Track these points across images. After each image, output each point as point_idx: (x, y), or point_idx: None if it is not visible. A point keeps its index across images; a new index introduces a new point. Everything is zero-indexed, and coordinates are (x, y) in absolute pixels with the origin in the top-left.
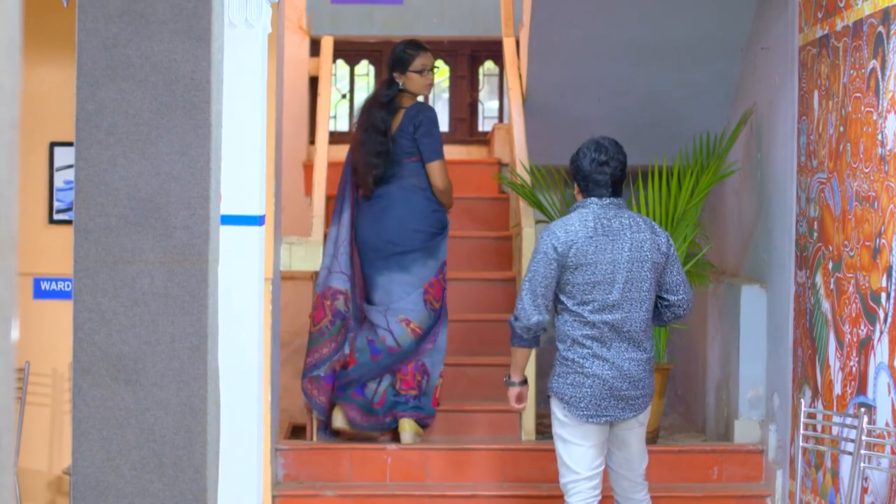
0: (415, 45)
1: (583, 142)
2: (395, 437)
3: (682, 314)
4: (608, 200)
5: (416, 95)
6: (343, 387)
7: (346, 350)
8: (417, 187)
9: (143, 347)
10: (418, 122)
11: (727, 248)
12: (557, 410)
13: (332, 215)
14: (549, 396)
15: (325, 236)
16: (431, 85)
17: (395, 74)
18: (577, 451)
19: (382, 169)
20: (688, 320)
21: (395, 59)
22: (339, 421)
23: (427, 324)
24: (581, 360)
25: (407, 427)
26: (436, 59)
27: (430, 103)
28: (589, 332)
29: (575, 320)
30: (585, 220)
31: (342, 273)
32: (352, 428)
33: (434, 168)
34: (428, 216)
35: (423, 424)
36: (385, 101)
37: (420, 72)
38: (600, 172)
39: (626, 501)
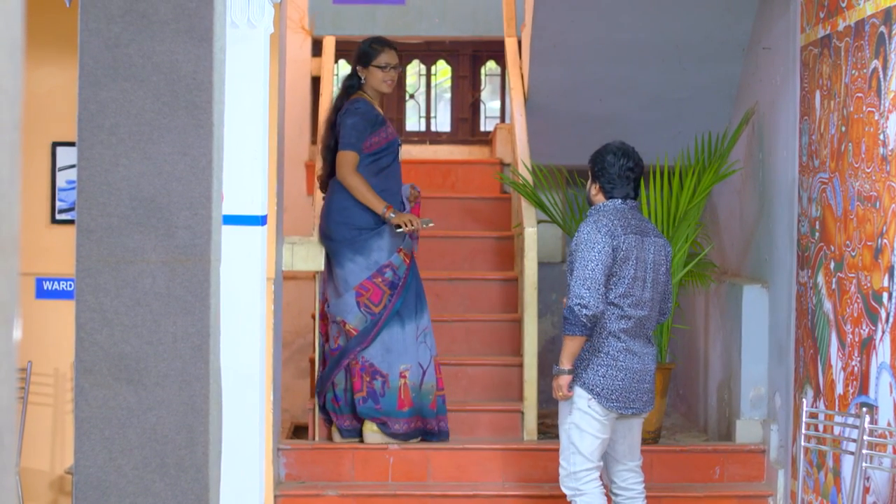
0: (381, 41)
1: (606, 144)
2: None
3: (663, 321)
4: (632, 203)
5: (377, 92)
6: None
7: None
8: None
9: (145, 347)
10: (342, 113)
11: (729, 248)
12: (582, 401)
13: None
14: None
15: None
16: (393, 83)
17: (357, 68)
18: (594, 443)
19: (330, 162)
20: (690, 320)
21: (360, 52)
22: (376, 437)
23: (363, 326)
24: (615, 353)
25: (370, 430)
26: (437, 59)
27: (431, 102)
28: (624, 326)
29: (613, 313)
30: (623, 217)
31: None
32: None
33: (338, 158)
34: (346, 209)
35: (440, 439)
36: (342, 93)
37: (382, 67)
38: (627, 178)
39: (627, 493)
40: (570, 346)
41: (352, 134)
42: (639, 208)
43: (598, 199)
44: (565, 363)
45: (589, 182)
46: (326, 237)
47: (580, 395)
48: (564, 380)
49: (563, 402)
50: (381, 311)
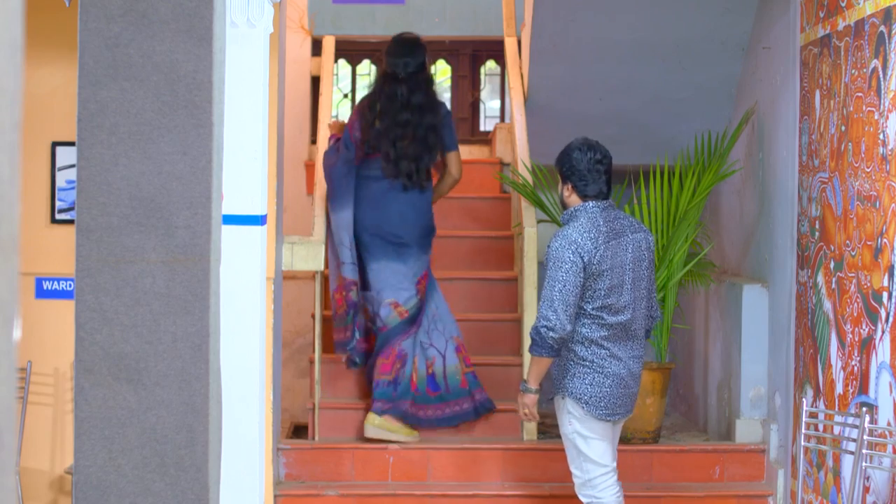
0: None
1: (569, 143)
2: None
3: (657, 316)
4: (606, 202)
5: None
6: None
7: (358, 336)
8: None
9: (144, 347)
10: (446, 113)
11: (729, 248)
12: (575, 410)
13: (331, 201)
14: (554, 398)
15: (329, 226)
16: None
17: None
18: (601, 446)
19: (431, 158)
20: (689, 320)
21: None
22: (376, 432)
23: (413, 311)
24: (600, 361)
25: (371, 423)
26: (437, 58)
27: None
28: (606, 334)
29: (594, 323)
30: (598, 225)
31: (353, 264)
32: (414, 424)
33: (454, 157)
34: (426, 213)
35: (484, 411)
36: (432, 86)
37: None
38: (597, 171)
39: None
40: (538, 367)
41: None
42: (613, 205)
43: (573, 200)
44: (532, 382)
45: (560, 185)
46: (431, 229)
47: (572, 405)
48: (530, 399)
49: (560, 413)
50: (424, 298)
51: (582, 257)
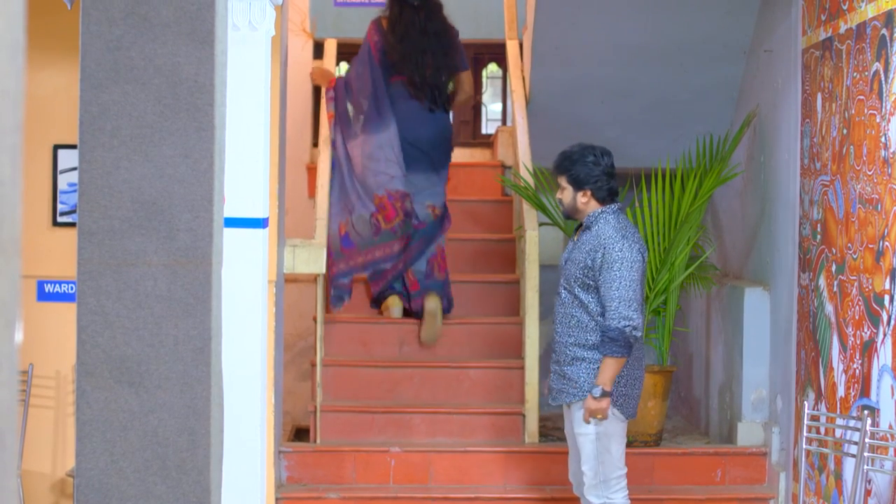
0: None
1: (574, 150)
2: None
3: None
4: (618, 205)
5: None
6: (390, 281)
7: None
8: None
9: (146, 350)
10: (456, 35)
11: (730, 251)
12: (613, 411)
13: (370, 123)
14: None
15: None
16: None
17: None
18: (622, 447)
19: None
20: (691, 323)
21: None
22: (396, 311)
23: (442, 208)
24: (633, 362)
25: (433, 301)
26: None
27: None
28: (638, 335)
29: None
30: (633, 225)
31: (404, 176)
32: (402, 315)
33: (466, 77)
34: (449, 130)
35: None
36: (440, 7)
37: None
38: (613, 175)
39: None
40: (616, 368)
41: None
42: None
43: (592, 206)
44: (609, 385)
45: (571, 194)
46: (452, 146)
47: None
48: (608, 402)
49: (577, 415)
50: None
51: (643, 256)
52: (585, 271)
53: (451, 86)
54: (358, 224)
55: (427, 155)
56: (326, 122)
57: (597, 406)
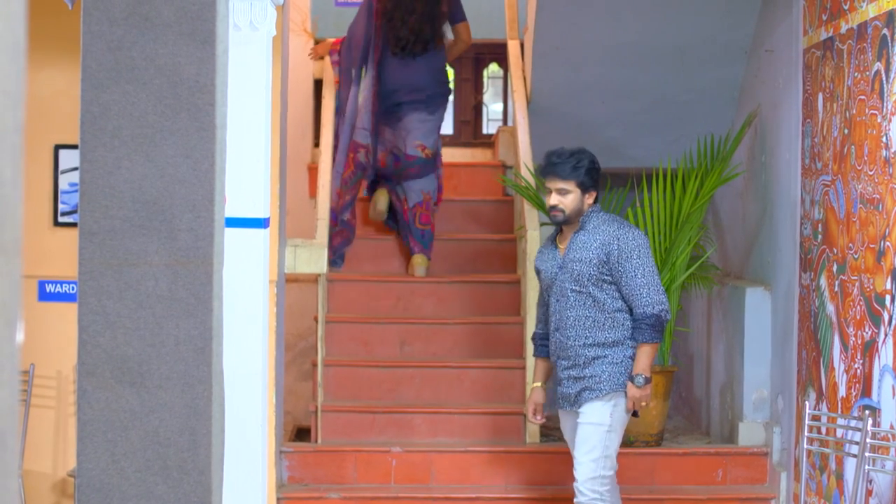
0: None
1: (584, 152)
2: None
3: None
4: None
5: None
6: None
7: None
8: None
9: (147, 350)
10: None
11: (731, 251)
12: (623, 404)
13: (342, 82)
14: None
15: (348, 99)
16: None
17: None
18: (619, 445)
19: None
20: (692, 323)
21: None
22: (381, 203)
23: (433, 150)
24: (633, 353)
25: (420, 262)
26: None
27: None
28: (668, 317)
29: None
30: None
31: (364, 129)
32: (385, 219)
33: (464, 27)
34: (442, 70)
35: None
36: None
37: None
38: None
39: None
40: (653, 354)
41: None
42: None
43: (588, 204)
44: (649, 371)
45: (578, 197)
46: (447, 83)
47: (623, 400)
48: (650, 389)
49: (599, 407)
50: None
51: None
52: (600, 267)
53: (449, 34)
54: (340, 166)
55: (415, 96)
56: (331, 105)
57: (641, 394)
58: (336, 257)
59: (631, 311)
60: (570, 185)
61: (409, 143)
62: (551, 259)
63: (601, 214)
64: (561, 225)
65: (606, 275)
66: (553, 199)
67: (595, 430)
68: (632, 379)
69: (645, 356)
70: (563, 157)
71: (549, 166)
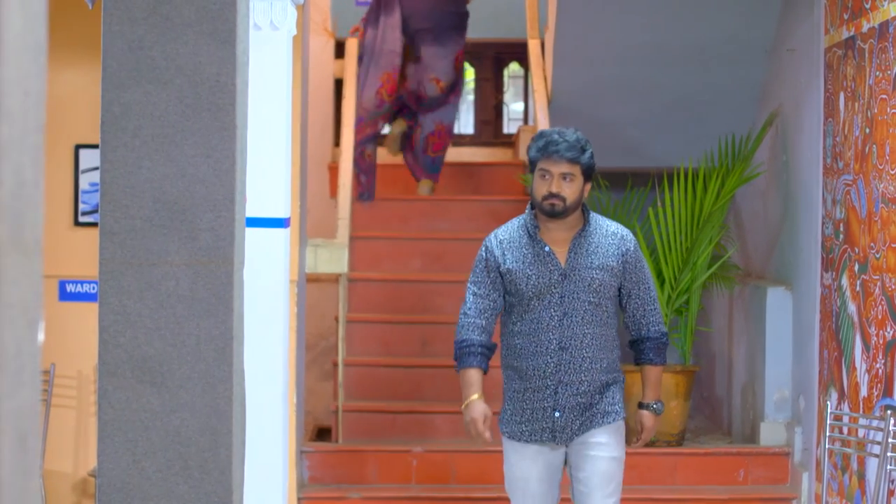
0: None
1: (585, 139)
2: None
3: None
4: None
5: None
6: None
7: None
8: None
9: (168, 349)
10: None
11: (753, 250)
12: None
13: (368, 21)
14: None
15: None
16: None
17: None
18: None
19: None
20: (713, 322)
21: None
22: (396, 129)
23: (448, 83)
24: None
25: (425, 184)
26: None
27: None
28: None
29: None
30: None
31: (393, 52)
32: (399, 148)
33: None
34: (461, 7)
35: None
36: None
37: None
38: None
39: None
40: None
41: None
42: None
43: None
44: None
45: (580, 185)
46: (465, 14)
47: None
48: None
49: (617, 437)
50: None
51: None
52: (615, 276)
53: None
54: (367, 102)
55: (432, 30)
56: (351, 105)
57: (653, 424)
58: (365, 191)
59: (633, 328)
60: (576, 170)
61: (426, 79)
62: (540, 262)
63: (591, 211)
64: (553, 217)
65: (617, 284)
66: (554, 186)
67: (618, 467)
68: (646, 406)
69: (659, 380)
70: (567, 136)
71: (551, 145)
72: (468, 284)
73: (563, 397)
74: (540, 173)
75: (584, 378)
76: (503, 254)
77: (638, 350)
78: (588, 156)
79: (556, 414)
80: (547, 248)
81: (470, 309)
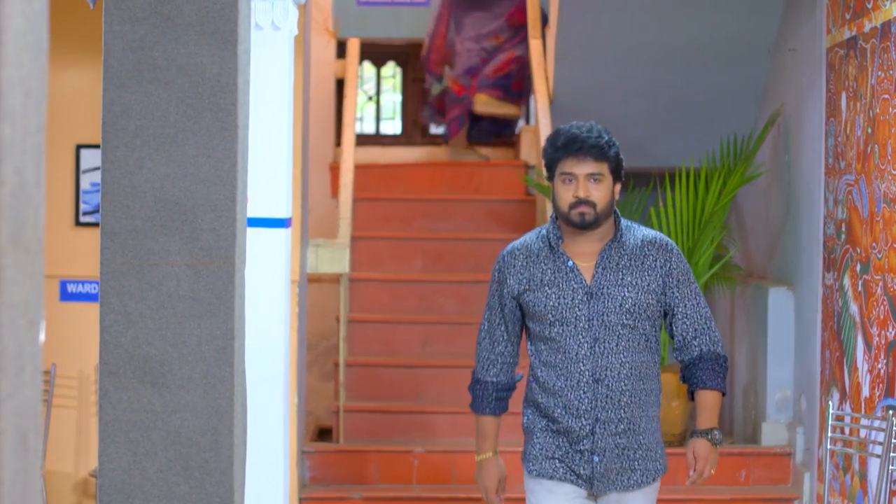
0: None
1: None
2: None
3: None
4: None
5: None
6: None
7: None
8: None
9: (169, 350)
10: None
11: (754, 251)
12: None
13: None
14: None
15: None
16: None
17: None
18: None
19: None
20: (715, 323)
21: None
22: (480, 105)
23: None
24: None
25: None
26: None
27: None
28: None
29: None
30: None
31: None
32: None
33: None
34: None
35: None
36: None
37: None
38: None
39: None
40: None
41: None
42: None
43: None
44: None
45: (610, 186)
46: None
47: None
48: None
49: (654, 499)
50: None
51: None
52: (653, 294)
53: None
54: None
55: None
56: (353, 105)
57: (714, 456)
58: (451, 121)
59: (684, 352)
60: (604, 169)
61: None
62: (561, 279)
63: (622, 218)
64: (584, 229)
65: (659, 304)
66: (581, 190)
67: None
68: (703, 434)
69: (717, 407)
70: (590, 131)
71: (574, 142)
72: (486, 304)
73: (601, 438)
74: (562, 178)
75: (623, 415)
76: (518, 271)
77: (690, 374)
78: (616, 150)
79: (595, 459)
80: (570, 263)
81: (484, 339)
